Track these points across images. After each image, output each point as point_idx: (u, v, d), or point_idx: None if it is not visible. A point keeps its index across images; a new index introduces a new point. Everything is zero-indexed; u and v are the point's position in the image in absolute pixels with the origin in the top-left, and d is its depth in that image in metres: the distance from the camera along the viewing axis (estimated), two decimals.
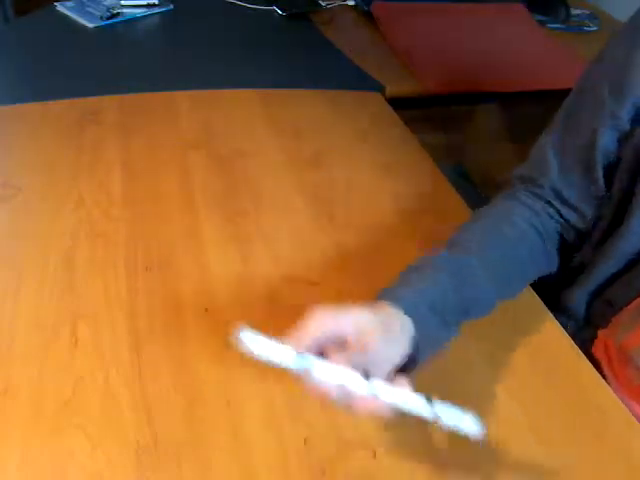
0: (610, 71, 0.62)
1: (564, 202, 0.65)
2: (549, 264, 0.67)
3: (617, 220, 0.61)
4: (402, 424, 0.54)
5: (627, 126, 0.60)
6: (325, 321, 0.45)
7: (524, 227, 0.64)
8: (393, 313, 0.50)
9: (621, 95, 0.59)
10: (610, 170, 0.62)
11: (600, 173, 0.62)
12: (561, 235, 0.67)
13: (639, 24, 0.60)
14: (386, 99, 1.08)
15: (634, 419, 0.56)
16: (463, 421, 0.45)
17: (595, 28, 1.46)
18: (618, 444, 0.54)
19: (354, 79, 1.14)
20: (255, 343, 0.43)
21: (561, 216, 0.66)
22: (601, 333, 0.64)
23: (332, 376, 0.43)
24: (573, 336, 0.64)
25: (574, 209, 0.65)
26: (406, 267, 0.57)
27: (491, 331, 0.64)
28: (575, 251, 0.67)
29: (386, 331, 0.47)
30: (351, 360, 0.44)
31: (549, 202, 0.66)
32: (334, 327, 0.46)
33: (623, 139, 0.60)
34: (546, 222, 0.66)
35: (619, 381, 0.62)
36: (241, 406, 0.54)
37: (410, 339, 0.49)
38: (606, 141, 0.61)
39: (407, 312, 0.50)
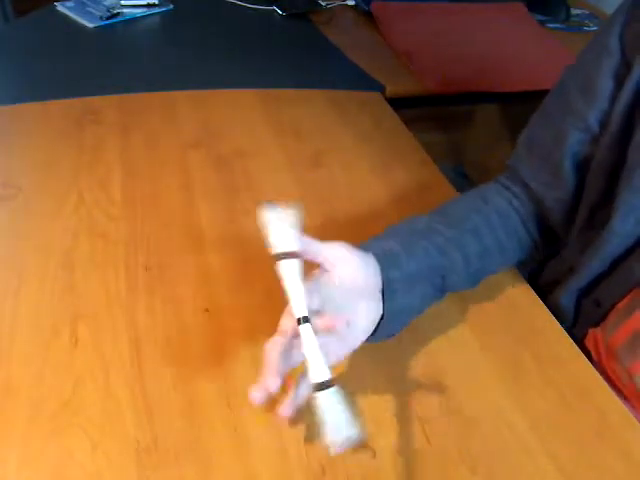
0: (580, 74, 0.63)
1: (538, 200, 0.67)
2: (533, 247, 0.69)
3: (594, 221, 0.62)
4: (402, 424, 0.54)
5: (596, 129, 0.61)
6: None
7: (503, 206, 0.67)
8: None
9: (589, 99, 0.61)
10: (579, 171, 0.64)
11: (569, 174, 0.64)
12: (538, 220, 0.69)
13: (609, 29, 0.61)
14: (386, 99, 1.08)
15: (634, 419, 0.56)
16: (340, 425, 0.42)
17: (595, 28, 1.47)
18: (618, 444, 0.54)
19: (354, 79, 1.14)
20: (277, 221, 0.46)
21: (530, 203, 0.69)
22: (591, 331, 0.65)
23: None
24: None
25: (545, 207, 0.67)
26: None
27: (491, 331, 0.64)
28: (551, 241, 0.70)
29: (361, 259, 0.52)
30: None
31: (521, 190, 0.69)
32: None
33: (593, 141, 0.62)
34: (526, 205, 0.68)
35: (608, 377, 0.62)
36: (241, 406, 0.54)
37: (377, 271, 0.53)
38: (574, 142, 0.63)
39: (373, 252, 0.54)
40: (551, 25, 1.46)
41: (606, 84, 0.60)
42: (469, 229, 0.62)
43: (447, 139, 1.57)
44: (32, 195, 0.76)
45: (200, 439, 0.51)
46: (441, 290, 0.60)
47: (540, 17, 1.47)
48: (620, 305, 0.60)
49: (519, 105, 1.34)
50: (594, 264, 0.61)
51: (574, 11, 1.51)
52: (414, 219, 0.63)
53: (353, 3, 1.44)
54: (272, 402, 0.55)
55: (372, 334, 0.54)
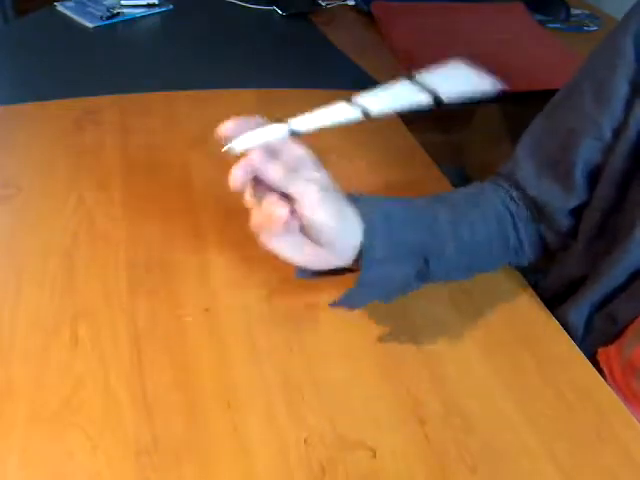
0: (593, 78, 0.61)
1: (538, 208, 0.65)
2: (521, 252, 0.67)
3: (605, 230, 0.61)
4: (402, 424, 0.54)
5: (609, 137, 0.59)
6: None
7: (498, 206, 0.65)
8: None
9: (603, 105, 0.59)
10: (591, 179, 0.62)
11: (580, 182, 0.62)
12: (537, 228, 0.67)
13: (623, 30, 0.58)
14: None
15: (634, 419, 0.56)
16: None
17: (595, 28, 1.46)
18: (618, 444, 0.54)
19: (354, 79, 1.14)
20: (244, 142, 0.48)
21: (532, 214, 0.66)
22: (602, 350, 0.63)
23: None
24: None
25: (546, 215, 0.65)
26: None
27: (490, 331, 0.64)
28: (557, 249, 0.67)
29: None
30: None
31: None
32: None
33: (606, 149, 0.60)
34: (521, 210, 0.66)
35: (623, 392, 0.61)
36: (241, 406, 0.54)
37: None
38: (586, 149, 0.60)
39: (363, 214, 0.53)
40: (551, 25, 1.46)
41: (620, 89, 0.57)
42: (466, 220, 0.60)
43: (447, 139, 1.57)
44: (32, 195, 0.76)
45: (200, 439, 0.51)
46: (424, 273, 0.58)
47: (540, 17, 1.47)
48: (637, 323, 0.58)
49: (519, 105, 1.34)
50: (612, 276, 0.59)
51: (574, 11, 1.51)
52: (412, 199, 0.61)
53: (353, 3, 1.44)
54: (271, 401, 0.55)
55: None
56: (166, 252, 0.70)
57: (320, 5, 1.41)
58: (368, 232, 0.52)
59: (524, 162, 0.66)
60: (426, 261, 0.57)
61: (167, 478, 0.49)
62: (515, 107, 1.42)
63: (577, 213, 0.64)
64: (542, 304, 0.67)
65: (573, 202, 0.63)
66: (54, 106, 0.95)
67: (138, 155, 0.85)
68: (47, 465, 0.49)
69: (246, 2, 1.39)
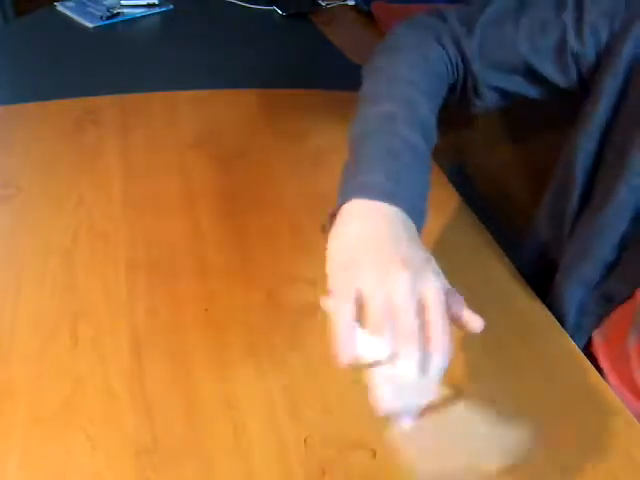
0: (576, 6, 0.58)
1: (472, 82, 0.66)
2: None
3: (594, 194, 0.59)
4: None
5: (593, 58, 0.58)
6: None
7: (441, 68, 0.66)
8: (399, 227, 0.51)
9: (584, 39, 0.57)
10: (534, 82, 0.64)
11: (521, 72, 0.63)
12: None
13: None
14: None
15: (634, 419, 0.56)
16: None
17: None
18: (618, 444, 0.54)
19: (354, 79, 1.13)
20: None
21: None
22: (599, 341, 0.63)
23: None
24: None
25: (477, 90, 0.67)
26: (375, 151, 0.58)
27: (490, 331, 0.64)
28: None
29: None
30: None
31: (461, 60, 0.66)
32: None
33: (571, 81, 0.60)
34: (452, 68, 0.67)
35: (622, 383, 0.61)
36: (241, 406, 0.54)
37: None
38: (547, 59, 0.60)
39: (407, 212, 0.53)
40: None
41: (602, 31, 0.56)
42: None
43: (447, 139, 1.57)
44: (32, 195, 0.76)
45: (200, 439, 0.51)
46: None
47: None
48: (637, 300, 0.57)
49: (520, 106, 1.34)
50: (600, 248, 0.58)
51: None
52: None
53: (353, 3, 1.44)
54: (271, 401, 0.55)
55: None
56: (166, 252, 0.70)
57: (320, 5, 1.41)
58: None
59: (478, 35, 0.64)
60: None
61: (167, 478, 0.49)
62: (515, 107, 1.42)
63: (502, 94, 0.68)
64: (543, 304, 0.67)
65: (503, 83, 0.66)
66: (54, 106, 0.95)
67: (138, 155, 0.85)
68: (47, 465, 0.49)
69: (246, 2, 1.39)
